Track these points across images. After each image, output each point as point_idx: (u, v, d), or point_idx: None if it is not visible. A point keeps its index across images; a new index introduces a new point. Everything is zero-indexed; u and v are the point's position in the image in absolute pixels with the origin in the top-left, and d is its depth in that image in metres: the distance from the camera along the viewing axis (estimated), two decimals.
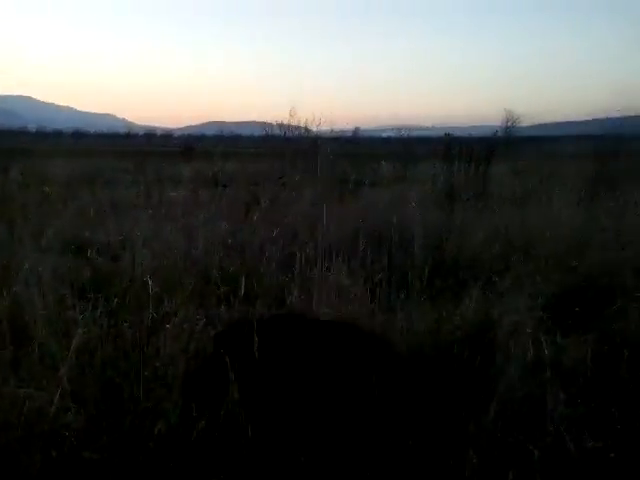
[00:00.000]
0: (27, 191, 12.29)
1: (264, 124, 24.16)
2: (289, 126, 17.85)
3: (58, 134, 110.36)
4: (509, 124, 46.74)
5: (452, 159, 12.75)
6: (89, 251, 6.20)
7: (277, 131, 19.21)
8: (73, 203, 10.65)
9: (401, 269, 4.89)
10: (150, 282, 3.91)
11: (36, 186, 13.50)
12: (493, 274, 5.31)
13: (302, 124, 17.22)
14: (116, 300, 4.43)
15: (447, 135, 20.59)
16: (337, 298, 4.09)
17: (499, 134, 31.36)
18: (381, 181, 15.12)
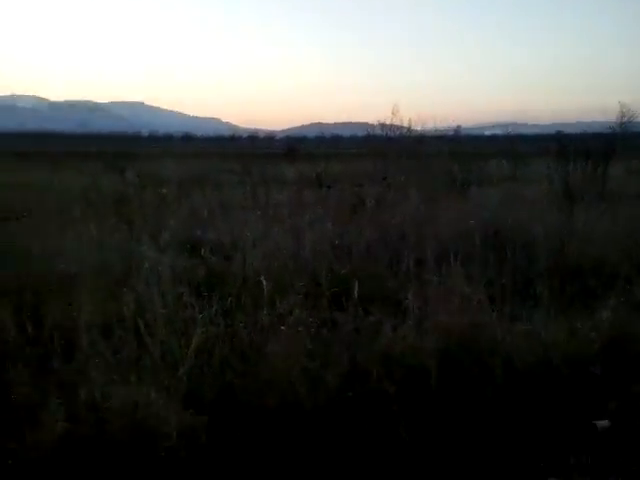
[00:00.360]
0: (143, 192, 13.01)
1: (366, 124, 24.06)
2: (391, 126, 17.61)
3: (168, 138, 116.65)
4: (624, 119, 43.02)
5: (567, 157, 12.02)
6: (203, 250, 6.36)
7: (379, 131, 19.00)
8: (186, 204, 11.11)
9: (523, 274, 4.57)
10: (264, 282, 3.90)
11: (151, 187, 14.27)
12: (625, 281, 4.84)
13: (405, 123, 16.93)
14: (230, 299, 4.49)
15: (559, 133, 19.48)
16: (455, 304, 3.87)
17: (614, 130, 29.14)
18: (489, 180, 14.54)
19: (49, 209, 8.93)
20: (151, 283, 4.80)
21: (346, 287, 4.30)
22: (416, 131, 17.08)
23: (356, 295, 3.88)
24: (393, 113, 16.24)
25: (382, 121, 17.66)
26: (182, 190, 13.60)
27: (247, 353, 3.45)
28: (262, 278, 3.91)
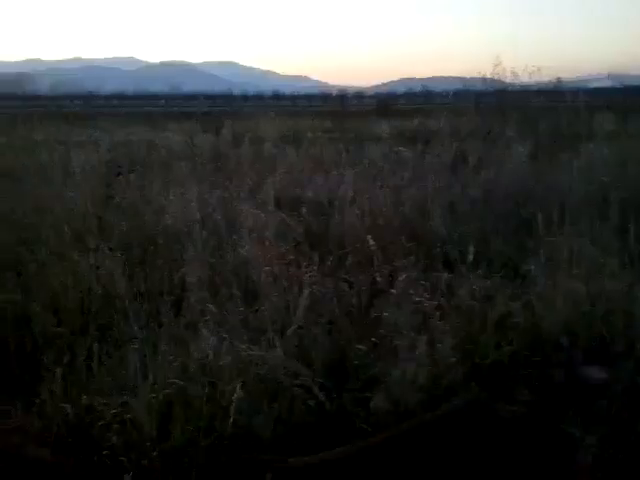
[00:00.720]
0: (239, 150, 13.13)
1: (458, 79, 22.92)
2: (491, 79, 16.56)
3: (259, 97, 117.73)
4: None
5: None
6: (303, 209, 6.25)
7: (478, 85, 17.98)
8: (281, 161, 11.08)
9: None
10: (371, 241, 3.71)
11: (247, 146, 14.38)
12: None
13: (506, 75, 15.86)
14: (331, 259, 4.35)
15: None
16: (585, 269, 3.50)
17: None
18: (599, 135, 13.42)
19: (153, 166, 9.13)
20: (253, 240, 4.77)
21: (462, 248, 4.03)
22: (516, 84, 16.02)
23: (471, 257, 3.60)
24: (495, 65, 15.24)
25: (482, 73, 16.63)
26: (276, 148, 13.61)
27: (355, 316, 3.30)
28: (369, 237, 3.71)
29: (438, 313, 3.13)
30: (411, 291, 3.34)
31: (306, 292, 3.24)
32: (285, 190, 7.93)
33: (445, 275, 3.70)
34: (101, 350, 3.02)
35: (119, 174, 5.69)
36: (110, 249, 4.65)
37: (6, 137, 13.98)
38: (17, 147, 12.63)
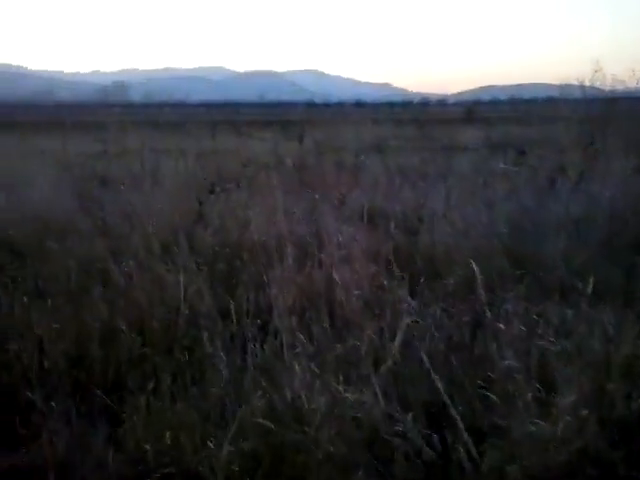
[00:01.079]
0: (322, 159, 13.00)
1: (546, 85, 21.74)
2: (590, 86, 15.52)
3: (341, 105, 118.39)
4: None
5: None
6: (391, 224, 5.95)
7: (575, 92, 16.93)
8: (365, 171, 10.83)
9: None
10: (476, 268, 3.35)
11: (330, 154, 14.24)
12: None
13: (607, 82, 14.80)
14: (422, 282, 4.03)
15: None
16: None
17: None
18: None
19: (238, 176, 9.12)
20: (340, 258, 4.53)
21: (580, 276, 3.58)
22: (620, 90, 14.91)
23: (590, 288, 3.17)
24: (595, 70, 14.25)
25: (581, 80, 15.62)
26: (360, 157, 13.38)
27: (458, 352, 2.96)
28: (472, 262, 3.35)
29: (556, 354, 2.74)
30: (522, 327, 2.97)
31: (404, 322, 2.93)
32: (371, 202, 7.64)
33: (563, 309, 3.29)
34: (184, 377, 2.87)
35: (212, 191, 5.59)
36: (197, 264, 4.56)
37: (101, 144, 14.60)
38: (112, 154, 13.15)
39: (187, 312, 3.60)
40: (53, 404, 2.66)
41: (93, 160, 12.71)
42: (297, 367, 2.68)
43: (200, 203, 5.25)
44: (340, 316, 3.59)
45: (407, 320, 2.92)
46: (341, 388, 2.54)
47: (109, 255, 4.77)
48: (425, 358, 2.68)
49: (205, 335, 3.36)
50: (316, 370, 2.71)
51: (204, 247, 5.29)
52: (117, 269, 4.31)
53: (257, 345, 3.17)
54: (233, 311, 3.81)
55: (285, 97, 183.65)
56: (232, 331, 3.40)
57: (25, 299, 3.75)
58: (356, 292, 3.69)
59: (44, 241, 5.67)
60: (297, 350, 2.96)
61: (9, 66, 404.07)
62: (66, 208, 6.92)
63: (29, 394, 2.81)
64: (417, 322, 3.17)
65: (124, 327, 3.44)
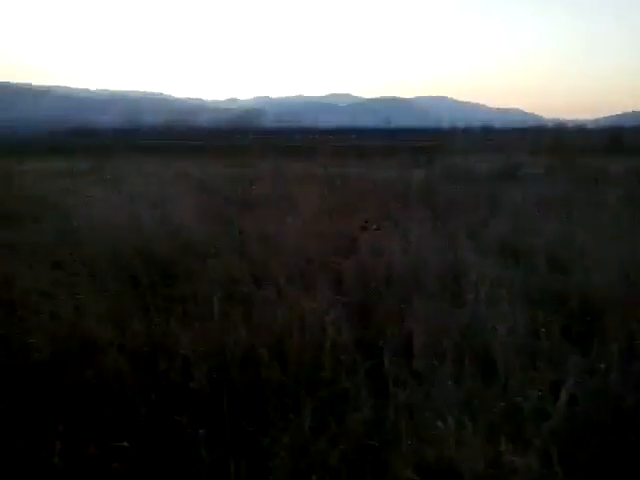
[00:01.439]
0: (450, 187, 12.64)
1: None
2: None
3: (469, 131, 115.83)
4: None
5: None
6: (537, 260, 5.53)
7: None
8: (499, 200, 10.34)
9: None
10: None
11: (457, 182, 13.83)
12: None
13: None
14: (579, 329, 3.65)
15: None
16: None
17: None
18: None
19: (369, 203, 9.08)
20: (482, 299, 4.25)
21: None
22: None
23: None
24: None
25: None
26: (492, 185, 12.84)
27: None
28: None
29: None
30: None
31: (569, 383, 2.62)
32: (510, 236, 7.19)
33: None
34: (326, 418, 2.78)
35: (365, 227, 5.55)
36: (337, 293, 4.52)
37: (236, 168, 15.34)
38: (245, 178, 13.76)
39: (328, 344, 3.51)
40: (201, 431, 2.67)
41: (230, 183, 13.36)
42: (449, 417, 2.47)
43: (353, 240, 5.19)
44: (482, 358, 3.33)
45: (572, 379, 2.60)
46: (502, 448, 2.29)
47: (249, 279, 4.88)
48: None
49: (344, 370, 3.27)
50: (468, 423, 2.48)
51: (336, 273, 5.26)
52: (258, 294, 4.36)
53: (399, 386, 3.01)
54: (370, 344, 3.71)
55: (412, 123, 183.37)
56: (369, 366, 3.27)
57: (173, 320, 3.89)
58: (507, 339, 3.40)
59: (187, 261, 5.95)
60: (445, 397, 2.75)
61: (160, 94, 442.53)
62: (206, 229, 7.24)
63: (177, 417, 2.85)
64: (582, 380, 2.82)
65: (264, 352, 3.44)
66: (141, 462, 2.73)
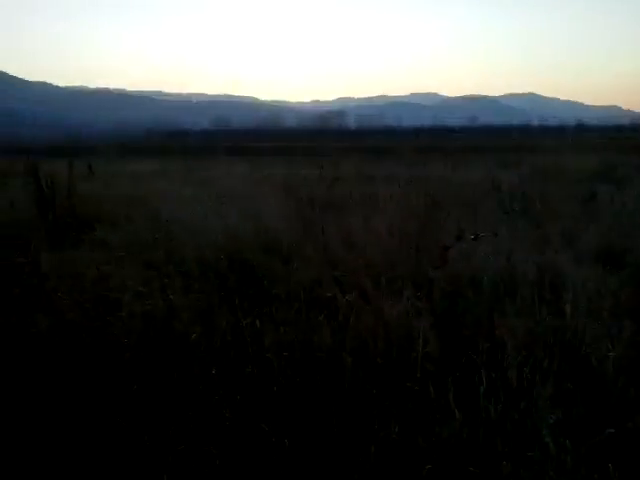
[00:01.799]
0: (543, 187, 12.07)
1: None
2: None
3: (560, 129, 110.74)
4: None
5: None
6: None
7: None
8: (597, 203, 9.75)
9: None
10: None
11: (551, 182, 13.17)
12: None
13: None
14: None
15: None
16: None
17: None
18: None
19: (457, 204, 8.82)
20: (581, 308, 3.98)
21: None
22: None
23: None
24: None
25: None
26: (587, 186, 12.12)
27: None
28: None
29: None
30: None
31: None
32: (611, 242, 6.69)
33: None
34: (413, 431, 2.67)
35: (459, 237, 5.35)
36: (417, 297, 4.39)
37: (320, 169, 15.39)
38: (329, 178, 13.77)
39: (416, 352, 3.40)
40: (286, 441, 2.64)
41: (313, 184, 13.43)
42: (551, 443, 2.29)
43: (445, 248, 5.01)
44: (588, 377, 3.10)
45: None
46: None
47: (332, 281, 4.84)
48: None
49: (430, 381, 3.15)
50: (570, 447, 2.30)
51: (421, 279, 5.10)
52: (342, 298, 4.31)
53: (492, 401, 2.85)
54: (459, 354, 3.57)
55: (499, 121, 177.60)
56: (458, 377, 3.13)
57: (258, 323, 3.91)
58: (611, 354, 3.15)
59: (272, 261, 6.01)
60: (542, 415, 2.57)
61: (247, 97, 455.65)
62: (291, 230, 7.28)
63: (264, 426, 2.83)
64: None
65: (350, 360, 3.37)
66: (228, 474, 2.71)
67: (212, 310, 4.32)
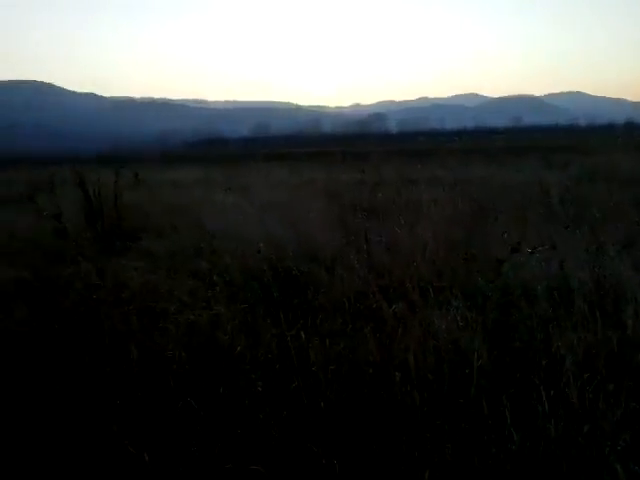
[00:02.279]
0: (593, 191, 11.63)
1: None
2: None
3: (609, 127, 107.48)
4: None
5: None
6: None
7: None
8: None
9: None
10: None
11: (603, 185, 12.67)
12: None
13: None
14: None
15: None
16: None
17: None
18: None
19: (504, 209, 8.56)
20: None
21: None
22: None
23: None
24: None
25: None
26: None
27: None
28: None
29: None
30: None
31: None
32: None
33: None
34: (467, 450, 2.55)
35: (516, 249, 5.15)
36: (468, 308, 4.25)
37: (360, 173, 15.29)
38: (370, 183, 13.64)
39: (468, 371, 3.26)
40: (336, 462, 2.55)
41: (354, 189, 13.32)
42: (619, 468, 2.14)
43: (500, 261, 4.82)
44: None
45: None
46: None
47: (378, 291, 4.72)
48: None
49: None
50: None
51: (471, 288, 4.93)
52: (388, 309, 4.20)
53: (552, 422, 2.69)
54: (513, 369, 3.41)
55: (544, 121, 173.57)
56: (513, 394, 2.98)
57: (303, 335, 3.83)
58: None
59: (316, 271, 5.92)
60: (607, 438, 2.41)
61: (288, 103, 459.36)
62: (333, 239, 7.19)
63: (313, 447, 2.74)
64: None
65: (397, 377, 3.26)
66: None
67: (256, 321, 4.27)
